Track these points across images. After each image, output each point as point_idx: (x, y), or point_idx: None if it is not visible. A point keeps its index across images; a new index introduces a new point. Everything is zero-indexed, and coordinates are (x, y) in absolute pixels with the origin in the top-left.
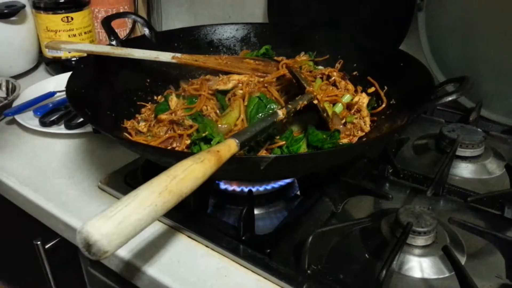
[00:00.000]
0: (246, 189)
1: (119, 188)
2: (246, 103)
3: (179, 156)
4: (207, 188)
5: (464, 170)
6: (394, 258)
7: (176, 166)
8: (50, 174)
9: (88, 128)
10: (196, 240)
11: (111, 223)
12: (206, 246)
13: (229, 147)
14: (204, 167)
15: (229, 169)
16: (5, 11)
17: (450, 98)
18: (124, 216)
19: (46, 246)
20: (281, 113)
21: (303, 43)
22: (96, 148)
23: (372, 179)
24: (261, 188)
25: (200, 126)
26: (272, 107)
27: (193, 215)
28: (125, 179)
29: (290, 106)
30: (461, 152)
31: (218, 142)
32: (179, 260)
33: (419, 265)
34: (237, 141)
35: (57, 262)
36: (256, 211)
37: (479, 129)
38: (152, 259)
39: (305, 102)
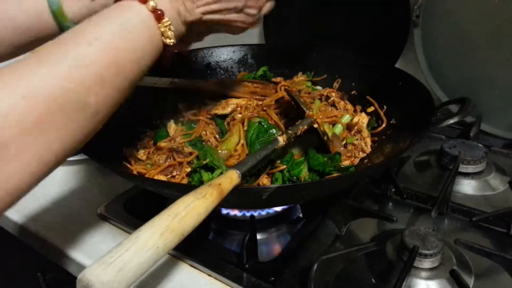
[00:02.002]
0: (248, 214)
1: (119, 216)
2: (245, 128)
3: (180, 188)
4: (208, 214)
5: (467, 187)
6: (402, 283)
7: (177, 203)
8: (49, 203)
9: None
10: (198, 269)
11: (111, 270)
12: (209, 275)
13: (230, 179)
14: (206, 202)
15: (231, 199)
16: None
17: (452, 121)
18: (125, 262)
19: (46, 277)
20: (281, 140)
21: (300, 63)
22: (94, 174)
23: (375, 199)
24: (264, 213)
25: (200, 153)
26: (272, 131)
27: (194, 243)
28: (124, 206)
29: (290, 131)
30: (463, 168)
31: (221, 173)
32: None
33: None
34: (238, 172)
35: None
36: (258, 236)
37: (480, 145)
38: None
39: (306, 127)
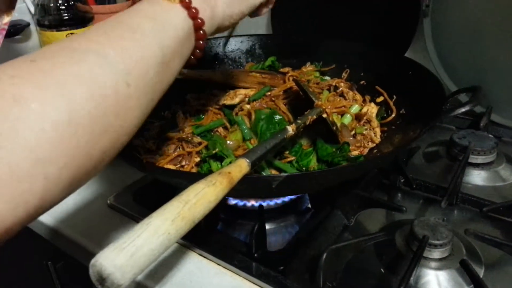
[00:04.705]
0: (256, 204)
1: (129, 206)
2: (252, 123)
3: (190, 177)
4: (218, 203)
5: (477, 178)
6: (412, 273)
7: (188, 190)
8: None
9: None
10: (208, 259)
11: (124, 255)
12: (218, 265)
13: (240, 168)
14: (216, 190)
15: (240, 188)
16: (10, 30)
17: (463, 110)
18: (137, 247)
19: (57, 266)
20: (291, 129)
21: (309, 53)
22: None
23: (384, 190)
24: (272, 203)
25: (209, 143)
26: (283, 124)
27: (203, 232)
28: (134, 196)
29: (299, 121)
30: (473, 159)
31: (230, 163)
32: (191, 279)
33: (436, 279)
34: (248, 160)
35: (68, 281)
36: (267, 226)
37: (490, 135)
38: (163, 279)
39: (314, 117)
